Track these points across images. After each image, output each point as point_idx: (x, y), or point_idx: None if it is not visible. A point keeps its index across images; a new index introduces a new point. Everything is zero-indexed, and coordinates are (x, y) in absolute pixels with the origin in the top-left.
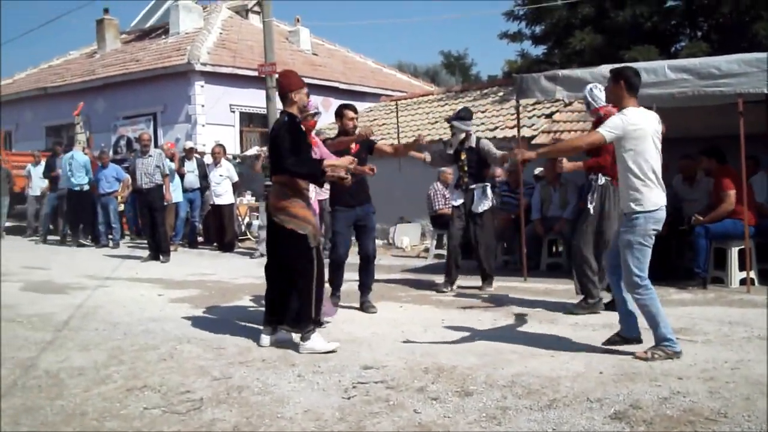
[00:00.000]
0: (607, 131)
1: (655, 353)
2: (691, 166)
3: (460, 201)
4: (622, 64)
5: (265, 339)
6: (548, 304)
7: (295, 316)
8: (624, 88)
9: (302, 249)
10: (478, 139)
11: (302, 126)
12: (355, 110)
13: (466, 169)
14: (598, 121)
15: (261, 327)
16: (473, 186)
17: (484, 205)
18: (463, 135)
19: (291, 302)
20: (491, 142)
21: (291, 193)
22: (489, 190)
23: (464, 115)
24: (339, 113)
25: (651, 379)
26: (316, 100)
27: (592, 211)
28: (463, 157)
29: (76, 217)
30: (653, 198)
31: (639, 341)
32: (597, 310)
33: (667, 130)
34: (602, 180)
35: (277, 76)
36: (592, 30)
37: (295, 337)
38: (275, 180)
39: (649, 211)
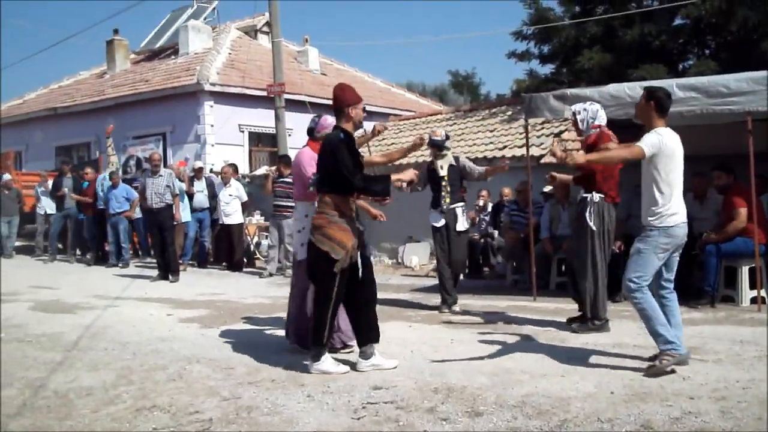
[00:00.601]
0: (646, 147)
1: (663, 359)
2: (704, 184)
3: (442, 222)
4: (653, 84)
5: (363, 363)
6: (558, 324)
7: (312, 336)
8: (654, 108)
9: (329, 272)
10: (457, 157)
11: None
12: None
13: (449, 189)
14: (595, 138)
15: (270, 346)
16: (454, 205)
17: (466, 224)
18: (447, 154)
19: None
20: (500, 161)
21: (336, 214)
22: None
23: (448, 135)
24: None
25: (662, 399)
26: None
27: (594, 228)
28: (445, 176)
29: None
30: (672, 215)
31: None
32: (604, 329)
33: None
34: (597, 197)
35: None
36: (601, 49)
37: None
38: (323, 198)
39: (666, 227)
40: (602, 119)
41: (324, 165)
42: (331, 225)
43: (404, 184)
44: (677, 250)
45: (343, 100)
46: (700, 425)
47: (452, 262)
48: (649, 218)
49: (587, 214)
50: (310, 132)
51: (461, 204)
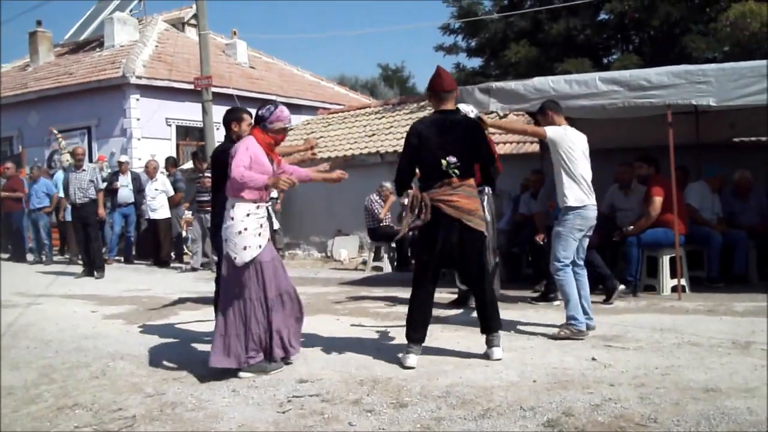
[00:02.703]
0: (549, 130)
1: (563, 331)
2: (628, 174)
3: None
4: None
5: (413, 358)
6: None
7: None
8: (550, 114)
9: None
10: None
11: (272, 140)
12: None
13: None
14: None
15: (196, 341)
16: None
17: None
18: None
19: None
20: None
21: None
22: None
23: None
24: (237, 118)
25: (583, 387)
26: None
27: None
28: None
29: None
30: (583, 198)
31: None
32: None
33: (598, 141)
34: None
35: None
36: (527, 43)
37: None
38: (467, 182)
39: (579, 209)
40: None
41: (470, 147)
42: (480, 207)
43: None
44: (589, 231)
45: (452, 82)
46: (619, 411)
47: None
48: (566, 203)
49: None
50: (260, 120)
51: None
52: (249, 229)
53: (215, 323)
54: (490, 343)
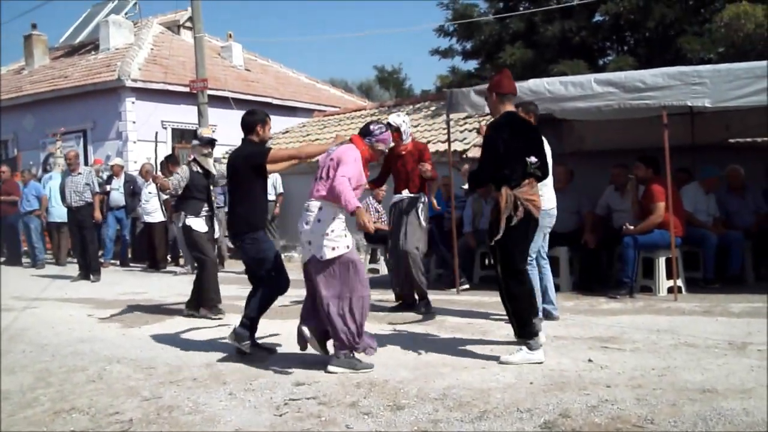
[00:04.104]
0: None
1: None
2: (623, 175)
3: None
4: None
5: (541, 352)
6: (480, 316)
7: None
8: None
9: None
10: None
11: (369, 156)
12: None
13: None
14: (412, 146)
15: (192, 345)
16: None
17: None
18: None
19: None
20: None
21: None
22: None
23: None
24: (264, 121)
25: (580, 388)
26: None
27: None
28: None
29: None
30: (549, 199)
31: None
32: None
33: (594, 143)
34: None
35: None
36: (522, 45)
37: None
38: (532, 183)
39: (547, 209)
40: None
41: (540, 149)
42: None
43: None
44: (549, 229)
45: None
46: (616, 412)
47: None
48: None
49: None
50: (368, 133)
51: None
52: (336, 230)
53: (335, 323)
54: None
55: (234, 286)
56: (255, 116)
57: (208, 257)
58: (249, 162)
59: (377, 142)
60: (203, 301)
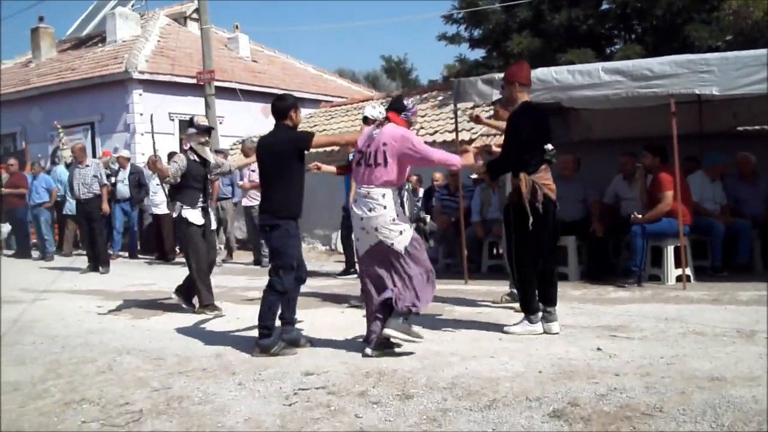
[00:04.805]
0: None
1: (506, 296)
2: (630, 163)
3: None
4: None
5: (540, 325)
6: (488, 306)
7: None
8: (498, 109)
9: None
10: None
11: None
12: None
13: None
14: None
15: (201, 335)
16: None
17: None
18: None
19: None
20: (432, 146)
21: None
22: None
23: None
24: (296, 106)
25: (589, 377)
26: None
27: None
28: None
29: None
30: None
31: None
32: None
33: (601, 131)
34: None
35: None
36: (530, 33)
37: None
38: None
39: None
40: None
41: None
42: None
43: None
44: None
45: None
46: (625, 401)
47: None
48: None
49: None
50: (403, 109)
51: None
52: (399, 215)
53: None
54: (546, 318)
55: (242, 278)
56: (287, 101)
57: (198, 254)
58: (293, 145)
59: (412, 115)
60: (199, 300)
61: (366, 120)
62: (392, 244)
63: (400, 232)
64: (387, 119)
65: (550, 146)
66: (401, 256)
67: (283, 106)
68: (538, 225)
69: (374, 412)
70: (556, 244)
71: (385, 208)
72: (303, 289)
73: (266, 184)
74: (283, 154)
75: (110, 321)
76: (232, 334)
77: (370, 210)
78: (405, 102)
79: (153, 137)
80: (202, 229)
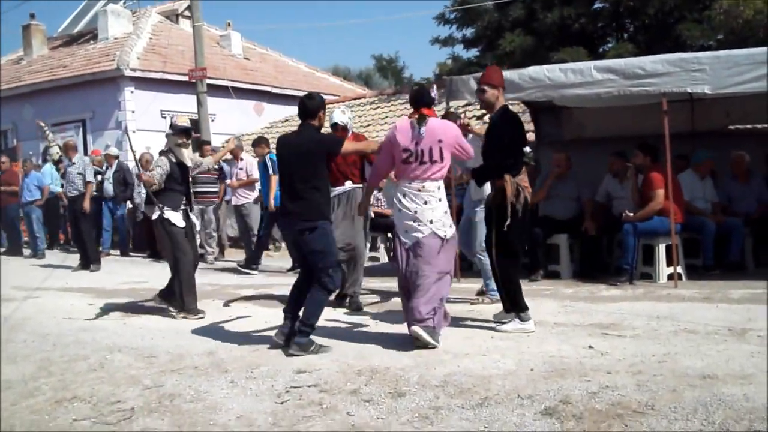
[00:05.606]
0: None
1: (486, 298)
2: (621, 163)
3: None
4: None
5: (532, 322)
6: (481, 303)
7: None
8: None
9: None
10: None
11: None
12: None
13: None
14: (353, 138)
15: (194, 333)
16: None
17: None
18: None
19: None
20: None
21: None
22: None
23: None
24: (325, 107)
25: (581, 375)
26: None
27: None
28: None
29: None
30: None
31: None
32: None
33: (594, 130)
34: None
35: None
36: (522, 32)
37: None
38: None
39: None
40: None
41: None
42: None
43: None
44: None
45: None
46: (617, 399)
47: None
48: (482, 195)
49: None
50: (432, 102)
51: None
52: (447, 210)
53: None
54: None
55: (234, 275)
56: (316, 101)
57: (186, 256)
58: (324, 148)
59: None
60: (183, 303)
61: (335, 126)
62: (445, 235)
63: (450, 225)
64: (422, 115)
65: (528, 149)
66: (444, 248)
67: (313, 105)
68: (517, 225)
69: (366, 410)
70: (524, 246)
71: (440, 200)
72: (283, 286)
73: (291, 186)
74: (311, 155)
75: (102, 319)
76: (224, 332)
77: (425, 203)
78: (434, 94)
79: (131, 147)
80: (184, 231)
